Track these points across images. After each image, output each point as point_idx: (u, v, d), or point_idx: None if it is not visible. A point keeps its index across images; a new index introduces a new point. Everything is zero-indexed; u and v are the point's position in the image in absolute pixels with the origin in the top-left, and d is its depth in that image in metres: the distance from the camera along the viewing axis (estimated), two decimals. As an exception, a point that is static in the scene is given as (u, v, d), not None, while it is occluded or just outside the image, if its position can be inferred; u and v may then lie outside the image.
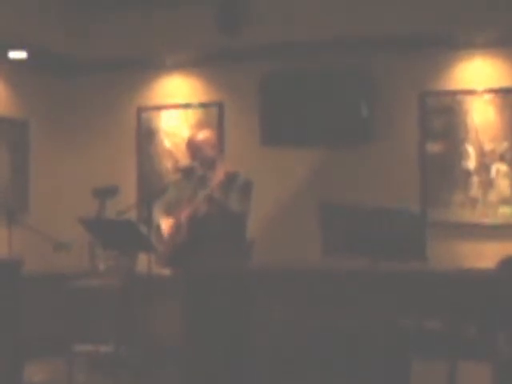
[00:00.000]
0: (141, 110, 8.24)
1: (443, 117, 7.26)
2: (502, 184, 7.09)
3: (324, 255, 5.09)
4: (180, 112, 8.11)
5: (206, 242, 5.90)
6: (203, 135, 6.16)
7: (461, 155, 7.20)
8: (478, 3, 6.71)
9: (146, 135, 8.22)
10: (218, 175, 5.83)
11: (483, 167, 7.14)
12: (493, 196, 7.10)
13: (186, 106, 8.08)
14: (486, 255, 6.74)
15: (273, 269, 5.41)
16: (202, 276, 5.49)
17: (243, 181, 5.97)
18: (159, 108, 8.19)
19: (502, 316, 4.75)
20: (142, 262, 5.96)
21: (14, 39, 7.24)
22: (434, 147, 7.29)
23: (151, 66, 8.12)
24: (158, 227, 6.08)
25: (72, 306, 7.09)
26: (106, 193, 7.18)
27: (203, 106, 8.03)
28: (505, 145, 7.08)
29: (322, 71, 7.51)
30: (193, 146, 6.12)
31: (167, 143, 8.13)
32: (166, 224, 6.07)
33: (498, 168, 7.10)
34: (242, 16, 7.15)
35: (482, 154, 7.14)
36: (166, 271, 6.17)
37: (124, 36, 7.75)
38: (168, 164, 8.07)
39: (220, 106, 7.96)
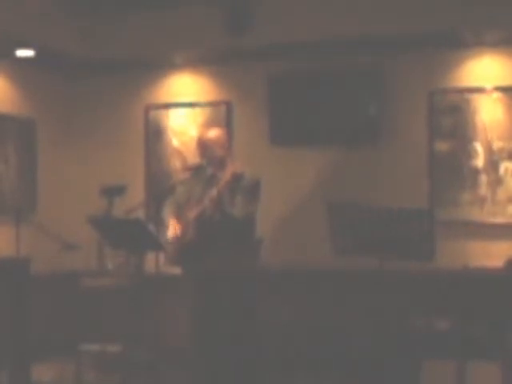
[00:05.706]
0: (149, 108, 8.24)
1: (452, 115, 7.24)
2: (511, 182, 7.07)
3: (333, 255, 5.08)
4: (188, 111, 8.10)
5: (213, 241, 5.89)
6: (213, 134, 6.13)
7: (469, 154, 7.19)
8: (487, 2, 6.68)
9: (154, 134, 8.21)
10: (225, 176, 5.80)
11: (492, 166, 7.12)
12: (501, 195, 7.08)
13: (195, 104, 8.07)
14: (494, 254, 6.74)
15: (282, 269, 5.41)
16: (211, 275, 5.48)
17: (250, 181, 5.94)
18: (167, 106, 8.18)
19: (511, 315, 4.74)
20: (150, 261, 5.96)
21: (21, 37, 7.22)
22: (442, 146, 7.28)
23: (159, 65, 8.11)
24: (168, 226, 6.07)
25: (80, 306, 7.10)
26: (113, 191, 7.16)
27: (211, 104, 8.01)
28: (513, 143, 7.08)
29: (331, 70, 7.50)
30: (202, 145, 6.10)
31: (175, 142, 8.12)
32: (173, 225, 6.05)
33: (506, 166, 7.09)
34: (252, 15, 7.14)
35: (490, 152, 7.12)
36: (174, 270, 6.17)
37: (132, 35, 7.73)
38: (176, 163, 8.06)
39: (228, 105, 7.94)
